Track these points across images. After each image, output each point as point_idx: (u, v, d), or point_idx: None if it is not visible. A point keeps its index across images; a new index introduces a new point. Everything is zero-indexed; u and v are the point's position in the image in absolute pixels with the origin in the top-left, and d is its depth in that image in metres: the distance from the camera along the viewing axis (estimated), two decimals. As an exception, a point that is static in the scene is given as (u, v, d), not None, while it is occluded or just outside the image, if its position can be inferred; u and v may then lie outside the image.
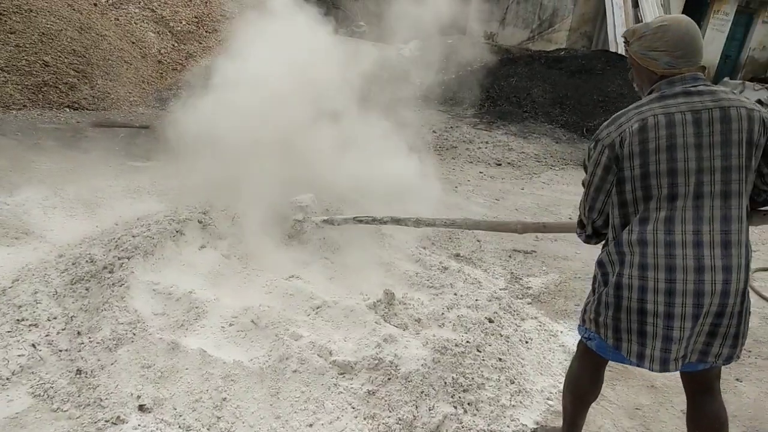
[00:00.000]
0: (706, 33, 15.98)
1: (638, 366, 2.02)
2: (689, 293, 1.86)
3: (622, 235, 1.96)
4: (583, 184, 2.11)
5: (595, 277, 2.13)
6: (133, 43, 8.72)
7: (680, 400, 2.88)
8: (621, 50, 13.14)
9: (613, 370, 3.27)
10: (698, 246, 1.86)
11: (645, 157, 1.87)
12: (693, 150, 1.84)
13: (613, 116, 1.98)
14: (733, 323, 1.93)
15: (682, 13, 15.28)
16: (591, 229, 2.13)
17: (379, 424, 2.53)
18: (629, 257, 1.93)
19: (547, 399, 2.96)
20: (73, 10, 8.15)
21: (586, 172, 2.07)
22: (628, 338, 1.98)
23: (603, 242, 2.13)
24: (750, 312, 1.98)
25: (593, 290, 2.14)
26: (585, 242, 2.23)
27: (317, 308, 3.24)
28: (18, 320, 2.86)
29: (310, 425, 2.49)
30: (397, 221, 3.62)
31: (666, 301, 1.87)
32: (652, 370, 1.97)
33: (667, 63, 1.93)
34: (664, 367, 1.96)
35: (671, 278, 1.86)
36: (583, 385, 2.34)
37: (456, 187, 6.81)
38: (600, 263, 2.08)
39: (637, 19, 14.05)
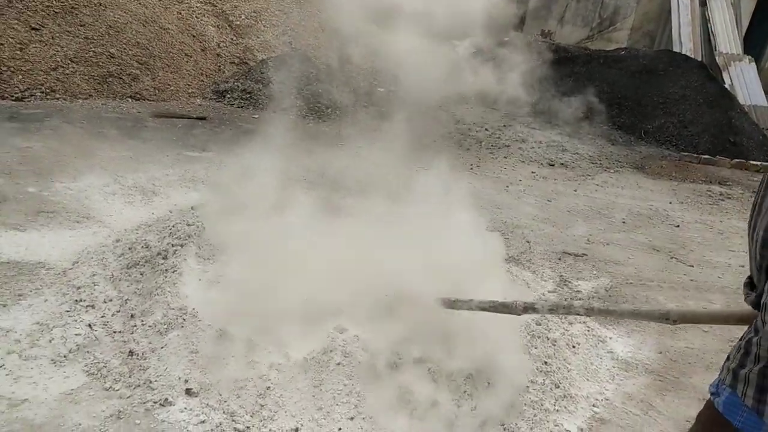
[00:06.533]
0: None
1: None
2: None
3: None
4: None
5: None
6: (194, 36, 8.95)
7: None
8: (686, 50, 12.64)
9: (663, 380, 3.16)
10: None
11: None
12: None
13: None
14: None
15: (754, 12, 14.64)
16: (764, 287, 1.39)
17: (420, 421, 2.52)
18: None
19: (593, 405, 2.89)
20: (139, 4, 8.43)
21: None
22: None
23: None
24: None
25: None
26: (754, 308, 1.50)
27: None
28: (76, 301, 2.99)
29: (351, 418, 2.51)
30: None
31: None
32: None
33: None
34: None
35: None
36: None
37: (507, 186, 6.71)
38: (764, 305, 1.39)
39: (704, 19, 13.48)
